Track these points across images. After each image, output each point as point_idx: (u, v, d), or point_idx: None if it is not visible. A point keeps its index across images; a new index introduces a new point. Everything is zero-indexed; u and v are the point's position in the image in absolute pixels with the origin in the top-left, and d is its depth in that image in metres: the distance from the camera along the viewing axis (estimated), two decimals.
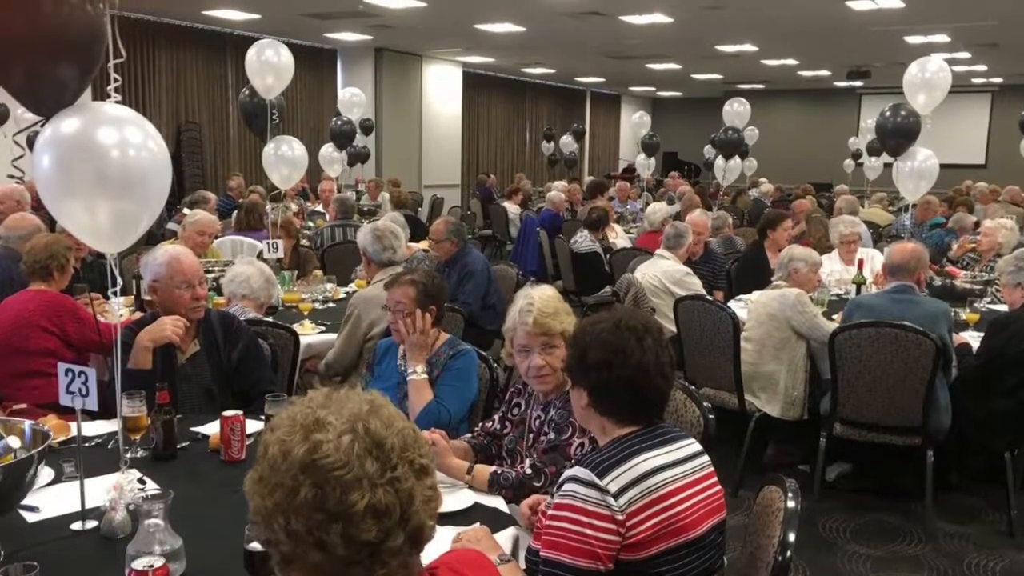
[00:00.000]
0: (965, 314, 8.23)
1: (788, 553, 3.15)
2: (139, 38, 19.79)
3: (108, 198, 3.64)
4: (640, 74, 31.22)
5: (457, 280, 8.67)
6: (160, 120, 19.91)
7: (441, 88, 27.35)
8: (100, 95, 4.00)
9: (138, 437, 4.38)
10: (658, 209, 13.15)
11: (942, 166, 10.17)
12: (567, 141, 27.81)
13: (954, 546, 6.63)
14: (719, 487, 3.33)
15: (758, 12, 17.80)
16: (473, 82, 30.11)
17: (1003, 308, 8.03)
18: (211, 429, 4.70)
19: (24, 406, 5.51)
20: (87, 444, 4.43)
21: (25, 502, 3.62)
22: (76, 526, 3.60)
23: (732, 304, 8.63)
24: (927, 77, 10.17)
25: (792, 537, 3.18)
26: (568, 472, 3.15)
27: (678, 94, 40.58)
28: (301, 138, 10.99)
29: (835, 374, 6.90)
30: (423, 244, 10.47)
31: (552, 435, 4.19)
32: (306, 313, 7.90)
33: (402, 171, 24.11)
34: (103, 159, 3.58)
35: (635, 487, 3.04)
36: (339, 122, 18.28)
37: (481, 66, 29.44)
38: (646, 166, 22.20)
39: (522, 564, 3.36)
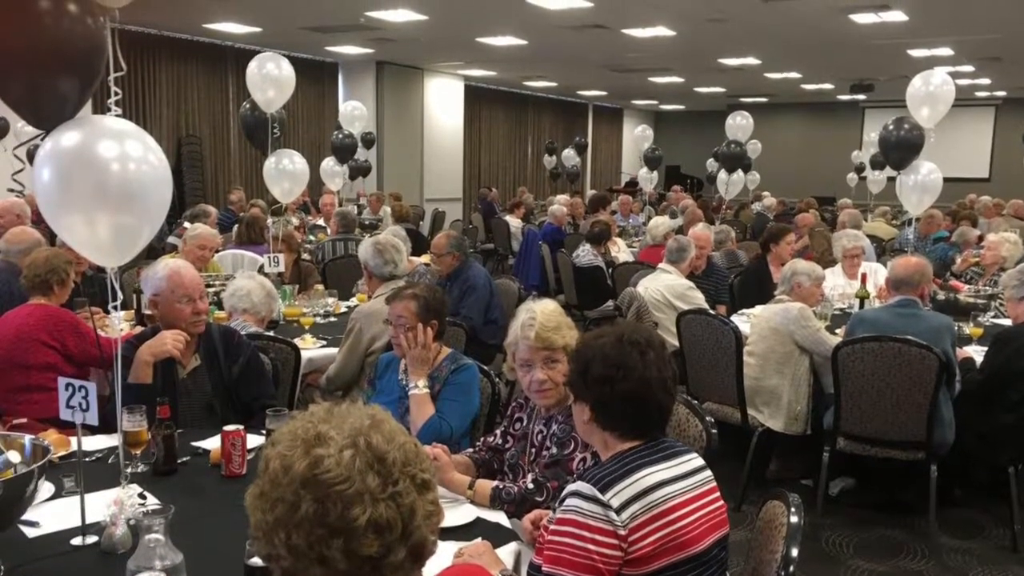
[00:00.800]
0: (969, 328, 8.20)
1: (791, 568, 3.14)
2: (140, 51, 19.82)
3: (108, 212, 3.63)
4: (643, 87, 31.25)
5: (459, 294, 8.66)
6: (161, 133, 19.94)
7: (443, 101, 27.36)
8: (101, 108, 3.99)
9: (139, 452, 4.37)
10: (660, 223, 13.16)
11: (945, 180, 10.19)
12: (569, 154, 27.82)
13: (958, 561, 6.61)
14: (722, 502, 3.32)
15: (761, 25, 17.81)
16: (475, 95, 30.13)
17: (1007, 322, 8.01)
18: (212, 444, 4.69)
19: (24, 420, 5.52)
20: (87, 459, 4.43)
21: (25, 517, 3.61)
22: (76, 541, 3.59)
23: (735, 318, 8.62)
24: (930, 90, 10.18)
25: (795, 552, 3.17)
26: (570, 487, 3.14)
27: (681, 107, 40.62)
28: (302, 152, 10.98)
29: (838, 389, 6.89)
30: (425, 258, 10.47)
31: (554, 450, 4.18)
32: (307, 327, 7.89)
33: (403, 185, 24.12)
34: (103, 173, 3.57)
35: (637, 502, 3.03)
36: (340, 135, 18.29)
37: (483, 79, 29.45)
38: (648, 180, 22.20)
39: None
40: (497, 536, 3.69)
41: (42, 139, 3.69)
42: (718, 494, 3.32)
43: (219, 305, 7.40)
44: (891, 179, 12.86)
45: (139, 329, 6.52)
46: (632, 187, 29.75)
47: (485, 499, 4.06)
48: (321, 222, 16.88)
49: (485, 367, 5.48)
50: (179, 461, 4.50)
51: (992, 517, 7.29)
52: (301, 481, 1.99)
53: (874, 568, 6.49)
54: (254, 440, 4.60)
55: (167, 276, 5.29)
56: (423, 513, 2.08)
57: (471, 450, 4.69)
